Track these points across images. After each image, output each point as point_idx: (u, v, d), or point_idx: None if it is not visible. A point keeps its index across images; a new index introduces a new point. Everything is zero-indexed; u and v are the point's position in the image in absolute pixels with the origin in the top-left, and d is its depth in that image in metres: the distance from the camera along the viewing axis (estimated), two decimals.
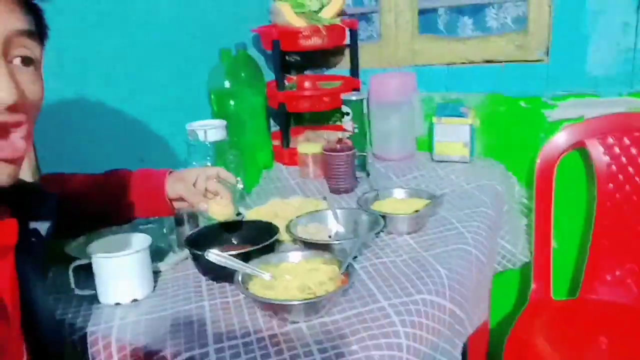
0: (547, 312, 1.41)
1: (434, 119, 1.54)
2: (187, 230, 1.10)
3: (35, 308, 0.68)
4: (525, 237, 1.51)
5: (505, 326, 1.60)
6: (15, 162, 0.59)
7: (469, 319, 1.04)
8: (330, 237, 1.12)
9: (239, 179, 1.24)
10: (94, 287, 0.94)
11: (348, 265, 0.90)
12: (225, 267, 0.91)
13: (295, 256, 0.96)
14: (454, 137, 1.53)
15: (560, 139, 1.48)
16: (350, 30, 1.64)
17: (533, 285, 1.49)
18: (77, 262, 0.94)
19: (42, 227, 0.70)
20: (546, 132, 1.53)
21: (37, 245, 0.69)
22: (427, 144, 1.63)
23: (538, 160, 1.49)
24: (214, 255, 0.90)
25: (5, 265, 0.61)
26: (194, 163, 1.21)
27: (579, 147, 1.48)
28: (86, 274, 0.94)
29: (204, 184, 1.01)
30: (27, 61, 0.59)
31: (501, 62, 1.59)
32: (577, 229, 1.55)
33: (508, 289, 1.68)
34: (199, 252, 0.94)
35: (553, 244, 1.50)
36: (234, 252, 0.93)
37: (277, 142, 1.66)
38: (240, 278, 0.89)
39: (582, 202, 1.53)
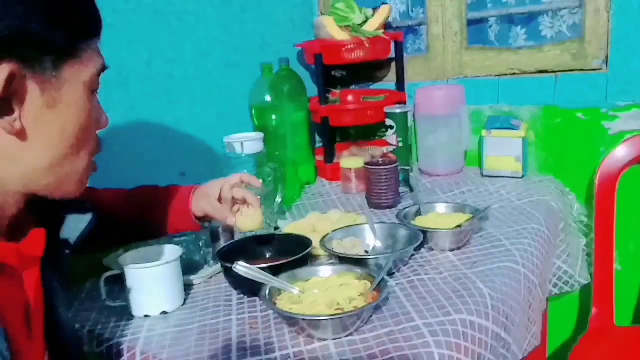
0: (609, 339, 1.30)
1: (484, 132, 1.47)
2: (222, 243, 1.08)
3: (59, 320, 0.67)
4: (585, 258, 1.41)
5: (564, 353, 1.49)
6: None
7: (517, 343, 0.96)
8: (367, 252, 1.07)
9: (264, 186, 1.21)
10: (125, 299, 0.94)
11: (381, 281, 0.85)
12: (255, 281, 0.88)
13: (326, 271, 0.92)
14: (505, 151, 1.46)
15: (622, 152, 1.38)
16: (396, 43, 1.61)
17: (593, 310, 1.38)
18: (109, 273, 0.94)
19: (72, 236, 0.70)
20: (606, 146, 1.43)
21: (66, 256, 0.70)
22: (476, 158, 1.55)
23: (598, 176, 1.39)
24: (242, 267, 0.87)
25: (31, 275, 0.61)
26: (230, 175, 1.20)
27: None
28: (120, 285, 0.94)
29: (230, 194, 0.99)
30: None
31: (556, 72, 1.50)
32: None
33: (567, 313, 1.56)
34: (229, 265, 0.91)
35: (616, 265, 1.39)
36: (263, 265, 0.90)
37: (320, 158, 1.63)
38: (268, 292, 0.85)
39: None
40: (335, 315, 0.78)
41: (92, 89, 0.61)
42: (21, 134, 0.55)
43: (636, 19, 1.35)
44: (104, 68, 0.63)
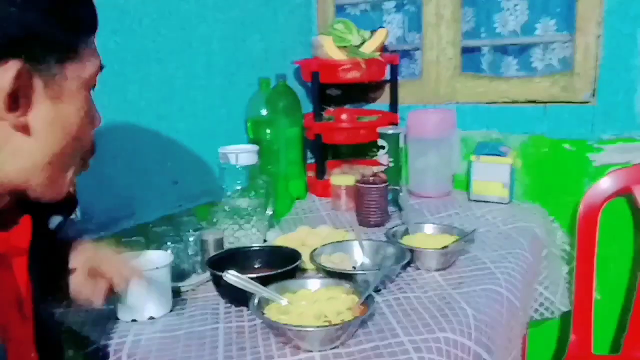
0: None
1: (473, 157, 1.50)
2: (212, 252, 1.09)
3: (41, 312, 0.68)
4: (566, 286, 1.44)
5: None
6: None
7: None
8: (354, 267, 1.09)
9: (256, 197, 1.21)
10: (113, 302, 0.94)
11: (368, 297, 0.87)
12: (243, 291, 0.89)
13: (315, 284, 0.94)
14: (492, 176, 1.49)
15: (606, 184, 1.42)
16: (391, 66, 1.64)
17: (572, 337, 1.41)
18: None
19: (54, 222, 0.72)
20: (591, 177, 1.47)
21: (42, 237, 0.70)
22: (464, 182, 1.59)
23: (581, 206, 1.43)
24: (232, 276, 0.89)
25: (20, 264, 0.62)
26: (223, 187, 1.21)
27: (625, 194, 1.41)
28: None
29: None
30: None
31: (545, 102, 1.55)
32: (621, 280, 1.47)
33: (546, 338, 1.59)
34: (218, 273, 0.92)
35: (595, 294, 1.42)
36: (252, 275, 0.92)
37: (312, 174, 1.65)
38: (256, 302, 0.87)
39: (628, 251, 1.45)
40: (322, 326, 0.79)
41: (91, 86, 0.63)
42: (26, 129, 0.57)
43: (624, 54, 1.40)
44: (101, 67, 0.64)
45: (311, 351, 0.81)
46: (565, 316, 1.41)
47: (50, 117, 0.58)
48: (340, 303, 0.87)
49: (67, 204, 0.73)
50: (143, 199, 1.30)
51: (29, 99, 0.56)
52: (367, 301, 0.87)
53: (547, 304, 1.34)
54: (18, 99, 0.55)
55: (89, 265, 0.83)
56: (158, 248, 1.07)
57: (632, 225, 1.44)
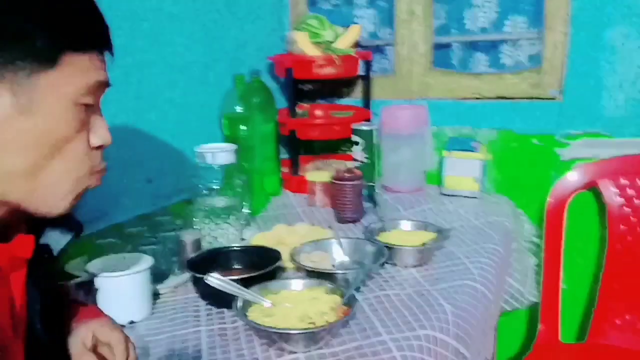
0: (555, 355, 1.37)
1: (445, 153, 1.53)
2: (190, 252, 1.08)
3: (32, 327, 0.67)
4: (534, 277, 1.48)
5: None
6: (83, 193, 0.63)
7: (473, 358, 1.01)
8: (333, 266, 1.10)
9: (233, 197, 1.21)
10: None
11: (350, 296, 0.88)
12: (225, 293, 0.89)
13: (297, 284, 0.94)
14: (464, 171, 1.52)
15: (572, 178, 1.47)
16: (364, 62, 1.65)
17: (540, 327, 1.45)
18: (77, 280, 0.93)
19: (56, 245, 0.69)
20: (558, 171, 1.52)
21: (45, 261, 0.69)
22: (436, 177, 1.61)
23: (549, 199, 1.47)
24: (214, 279, 0.88)
25: (18, 278, 0.61)
26: (200, 186, 1.20)
27: (591, 187, 1.46)
28: (85, 292, 0.93)
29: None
30: None
31: (514, 98, 1.58)
32: (587, 271, 1.52)
33: (515, 329, 1.64)
34: (200, 276, 0.92)
35: (562, 285, 1.47)
36: (234, 277, 0.92)
37: (286, 170, 1.65)
38: (240, 304, 0.87)
39: (593, 242, 1.50)
40: (307, 329, 0.80)
41: (79, 102, 0.58)
42: None
43: (591, 53, 1.44)
44: (102, 85, 0.61)
45: (295, 352, 0.82)
46: (533, 306, 1.46)
47: (19, 127, 0.54)
48: (323, 304, 0.88)
49: (73, 226, 0.71)
50: (116, 198, 1.28)
51: None
52: (350, 301, 0.88)
53: (517, 295, 1.38)
54: None
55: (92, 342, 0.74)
56: (134, 250, 1.06)
57: (597, 218, 1.49)
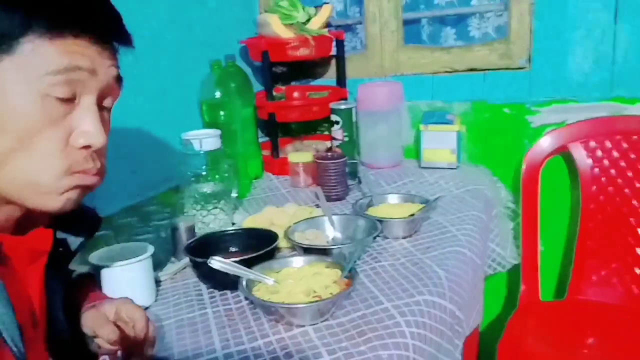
0: (537, 314, 1.44)
1: (421, 127, 1.57)
2: (185, 239, 1.10)
3: (55, 318, 0.67)
4: (513, 241, 1.54)
5: (494, 328, 1.63)
6: (87, 190, 0.62)
7: (467, 320, 1.06)
8: (327, 242, 1.13)
9: (221, 182, 1.22)
10: None
11: (351, 269, 0.91)
12: (226, 274, 0.91)
13: (298, 261, 0.97)
14: (441, 144, 1.56)
15: (544, 143, 1.52)
16: (337, 41, 1.67)
17: (522, 287, 1.52)
18: (78, 272, 0.93)
19: (74, 241, 0.70)
20: (530, 138, 1.57)
21: (63, 256, 0.69)
22: (413, 151, 1.65)
23: (523, 165, 1.53)
24: (218, 262, 0.90)
25: (35, 271, 0.61)
26: (188, 173, 1.21)
27: (563, 152, 1.52)
28: None
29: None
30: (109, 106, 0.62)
31: (485, 70, 1.63)
32: (563, 231, 1.59)
33: (497, 291, 1.71)
34: (201, 260, 0.94)
35: (540, 246, 1.53)
36: (237, 259, 0.94)
37: (266, 152, 1.66)
38: (244, 284, 0.89)
39: (568, 204, 1.57)
40: (314, 302, 0.83)
41: (48, 94, 0.53)
42: None
43: (556, 22, 1.49)
44: (91, 78, 0.57)
45: (303, 326, 0.84)
46: (514, 269, 1.52)
47: None
48: (325, 277, 0.91)
49: (89, 224, 0.72)
50: (103, 190, 1.27)
51: None
52: (351, 273, 0.91)
53: (499, 259, 1.44)
54: None
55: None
56: (129, 240, 1.06)
57: (570, 181, 1.56)
